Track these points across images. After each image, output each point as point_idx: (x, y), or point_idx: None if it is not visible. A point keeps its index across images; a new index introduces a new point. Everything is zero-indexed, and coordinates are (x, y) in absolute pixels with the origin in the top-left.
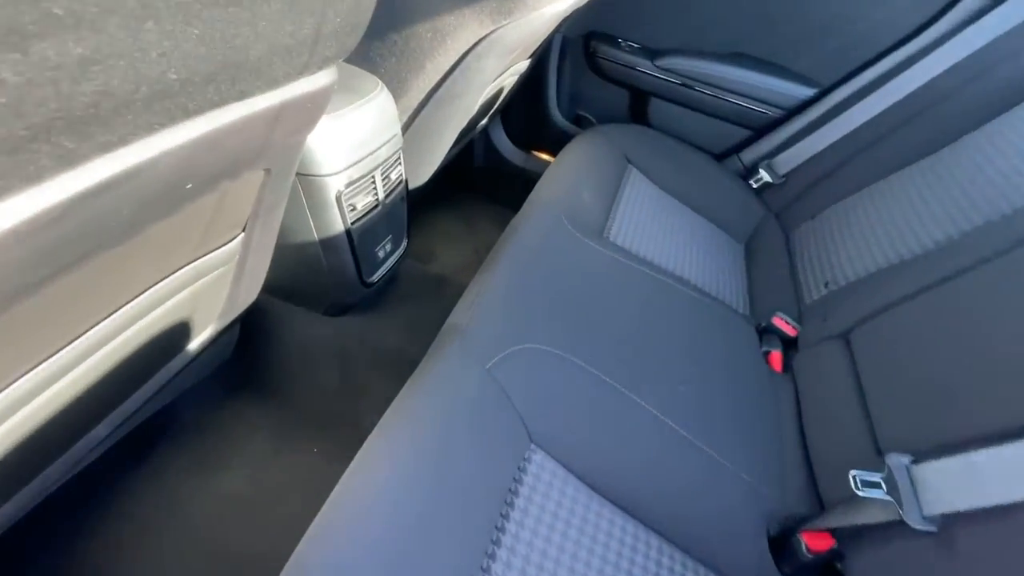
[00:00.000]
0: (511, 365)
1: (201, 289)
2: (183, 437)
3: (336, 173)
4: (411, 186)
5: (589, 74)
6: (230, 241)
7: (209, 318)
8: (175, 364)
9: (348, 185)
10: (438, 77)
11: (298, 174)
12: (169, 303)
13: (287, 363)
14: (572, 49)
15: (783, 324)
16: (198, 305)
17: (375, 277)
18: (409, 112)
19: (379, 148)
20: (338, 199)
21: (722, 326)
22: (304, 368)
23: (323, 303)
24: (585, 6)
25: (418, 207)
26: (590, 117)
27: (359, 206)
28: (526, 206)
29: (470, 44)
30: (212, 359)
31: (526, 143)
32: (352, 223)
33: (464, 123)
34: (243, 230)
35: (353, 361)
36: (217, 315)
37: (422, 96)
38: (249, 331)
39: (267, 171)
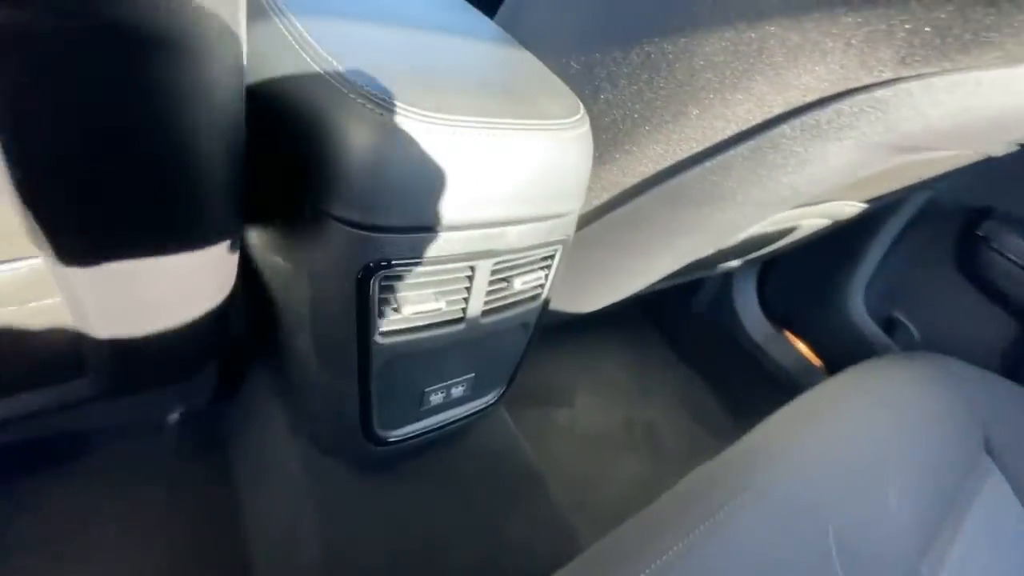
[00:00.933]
0: None
1: None
2: (64, 484)
3: (380, 230)
4: (557, 307)
5: (949, 269)
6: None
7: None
8: None
9: (400, 263)
10: (701, 146)
11: None
12: None
13: (240, 480)
14: (936, 221)
15: None
16: None
17: (400, 434)
18: (613, 191)
19: (512, 225)
20: (364, 282)
21: None
22: (255, 500)
23: (307, 432)
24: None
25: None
26: (913, 329)
27: (409, 310)
28: (757, 457)
29: (808, 99)
30: (167, 403)
31: (784, 318)
32: (380, 333)
33: (706, 251)
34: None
35: (304, 553)
36: (70, 363)
37: (652, 171)
38: (232, 397)
39: None
